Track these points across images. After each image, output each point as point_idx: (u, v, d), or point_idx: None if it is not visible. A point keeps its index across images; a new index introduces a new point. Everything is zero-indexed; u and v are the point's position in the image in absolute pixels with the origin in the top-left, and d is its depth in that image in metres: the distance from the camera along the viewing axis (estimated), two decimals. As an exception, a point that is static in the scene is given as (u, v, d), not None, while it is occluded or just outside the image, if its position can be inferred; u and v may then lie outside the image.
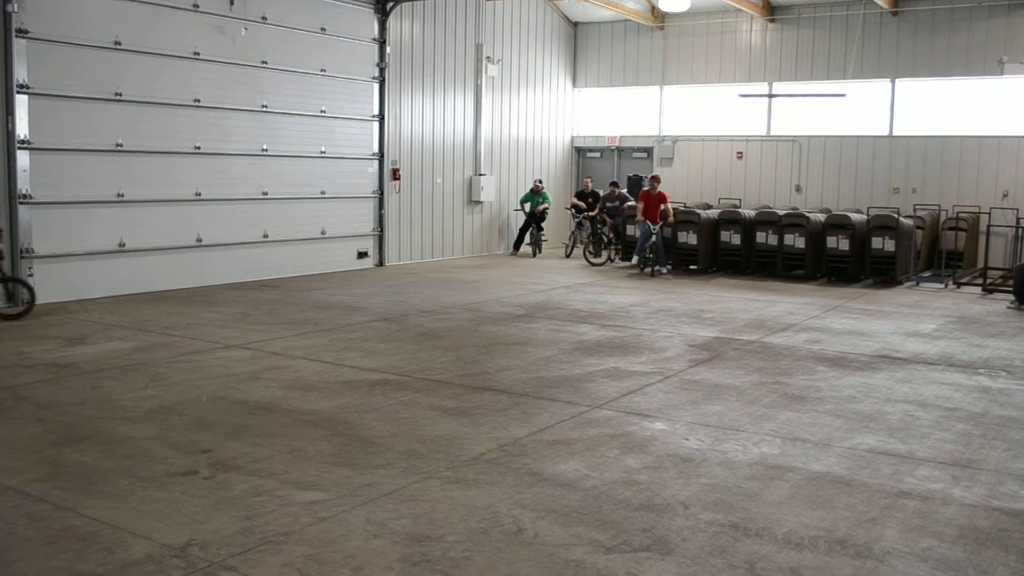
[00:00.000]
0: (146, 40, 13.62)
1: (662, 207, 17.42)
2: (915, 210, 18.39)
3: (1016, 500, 5.61)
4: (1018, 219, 16.92)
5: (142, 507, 5.29)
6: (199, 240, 14.61)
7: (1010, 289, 14.56)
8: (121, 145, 13.39)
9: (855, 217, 17.12)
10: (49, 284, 12.55)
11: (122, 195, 13.44)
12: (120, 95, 13.32)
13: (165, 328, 10.96)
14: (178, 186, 14.31)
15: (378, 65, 17.75)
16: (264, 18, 15.32)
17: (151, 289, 13.78)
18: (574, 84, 24.00)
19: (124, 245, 13.49)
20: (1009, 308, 13.87)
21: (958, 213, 18.38)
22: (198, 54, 14.36)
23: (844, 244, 16.77)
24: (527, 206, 21.11)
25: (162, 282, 13.98)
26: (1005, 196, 18.65)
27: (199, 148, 14.51)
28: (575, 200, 21.39)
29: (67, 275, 12.82)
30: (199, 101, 14.44)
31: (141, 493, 5.51)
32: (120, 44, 13.25)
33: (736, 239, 17.75)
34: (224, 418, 7.17)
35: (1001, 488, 5.82)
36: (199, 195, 14.57)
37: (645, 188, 17.94)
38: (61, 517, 5.13)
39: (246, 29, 14.97)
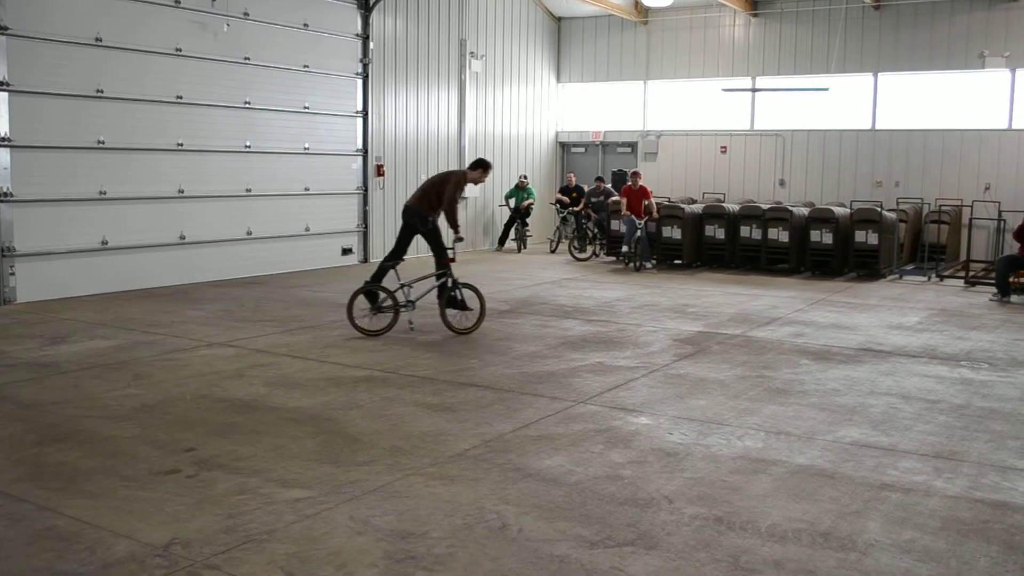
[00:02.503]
0: (128, 36, 13.54)
1: (645, 202, 17.43)
2: (898, 203, 18.48)
3: (998, 491, 5.64)
4: (1000, 212, 17.02)
5: (124, 506, 5.26)
6: (182, 237, 14.54)
7: (992, 281, 14.64)
8: (103, 142, 13.31)
9: (838, 211, 17.17)
10: (31, 283, 12.48)
11: (104, 192, 13.36)
12: (102, 92, 13.24)
13: (148, 326, 10.91)
14: (161, 183, 14.24)
15: (361, 61, 17.69)
16: (246, 14, 15.24)
17: (134, 287, 13.71)
18: (558, 79, 23.99)
19: (107, 243, 13.42)
20: (991, 300, 13.95)
21: (940, 206, 18.49)
22: (180, 50, 14.28)
23: (828, 238, 16.83)
24: (512, 202, 21.11)
25: (145, 280, 13.91)
26: (987, 189, 18.76)
27: (182, 145, 14.44)
28: (560, 195, 21.40)
29: (49, 273, 12.74)
30: (182, 97, 14.37)
31: (123, 492, 5.48)
32: (101, 40, 13.16)
33: (720, 233, 17.78)
34: (207, 416, 7.14)
35: (983, 480, 5.85)
36: (182, 192, 14.50)
37: (627, 184, 17.96)
38: (42, 517, 5.10)
39: (228, 25, 14.89)
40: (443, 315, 10.59)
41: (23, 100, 12.32)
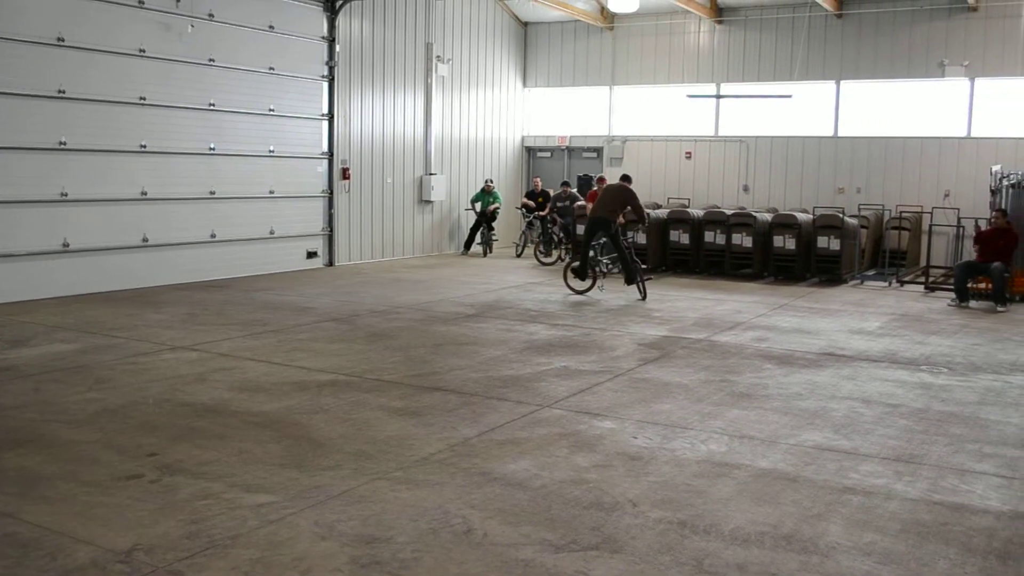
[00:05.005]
0: (90, 37, 13.39)
1: (611, 207, 17.51)
2: (859, 210, 18.69)
3: (956, 494, 5.72)
4: (959, 218, 17.26)
5: (86, 512, 5.20)
6: (145, 240, 14.41)
7: (951, 287, 14.85)
8: (65, 144, 13.15)
9: (801, 217, 17.35)
10: (-11, 285, 12.33)
11: (66, 194, 13.20)
12: (64, 92, 13.08)
13: (110, 330, 10.80)
14: (124, 185, 14.10)
15: (327, 64, 17.63)
16: (211, 15, 15.14)
17: (96, 290, 13.56)
18: (524, 84, 24.03)
19: (68, 245, 13.26)
20: (950, 306, 14.16)
21: (901, 213, 18.72)
22: (144, 51, 14.15)
23: (790, 243, 16.99)
24: (478, 206, 21.10)
25: (107, 283, 13.76)
26: (946, 196, 19.02)
27: (145, 147, 14.31)
28: (526, 200, 21.42)
29: (8, 276, 12.56)
30: (145, 99, 14.24)
31: (85, 498, 5.42)
32: (63, 41, 13.01)
33: (685, 239, 17.90)
34: (170, 421, 7.08)
35: (942, 483, 5.94)
36: (145, 194, 14.36)
37: (593, 189, 18.04)
38: (1, 523, 5.03)
39: (193, 26, 14.77)
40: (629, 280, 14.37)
41: (-19, 100, 12.17)
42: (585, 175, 22.36)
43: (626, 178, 14.89)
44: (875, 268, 18.39)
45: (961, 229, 17.12)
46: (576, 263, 14.76)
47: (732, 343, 10.71)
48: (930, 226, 17.71)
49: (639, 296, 14.16)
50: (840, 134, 20.35)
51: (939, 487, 5.85)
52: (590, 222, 14.60)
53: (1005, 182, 16.18)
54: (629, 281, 14.35)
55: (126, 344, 9.99)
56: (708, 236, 17.70)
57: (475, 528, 5.04)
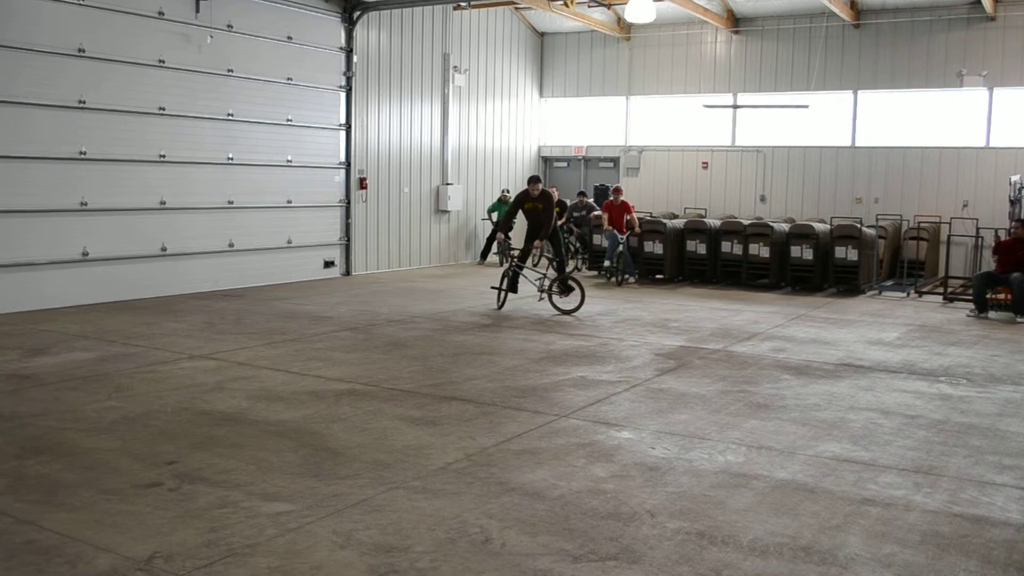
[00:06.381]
0: (111, 48, 13.51)
1: (627, 217, 17.51)
2: (877, 220, 18.61)
3: (976, 506, 5.69)
4: (978, 229, 17.18)
5: (105, 519, 5.23)
6: (164, 249, 14.50)
7: (970, 298, 14.77)
8: (85, 153, 13.26)
9: (819, 227, 17.30)
10: (10, 293, 12.40)
11: (86, 203, 13.31)
12: (84, 103, 13.19)
13: (129, 338, 10.86)
14: (143, 195, 14.20)
15: (345, 74, 17.71)
16: (230, 26, 15.24)
17: (115, 299, 13.65)
18: (541, 94, 24.07)
19: (87, 254, 13.36)
20: (969, 316, 14.07)
21: (919, 223, 18.64)
22: (164, 62, 14.26)
23: (808, 253, 16.93)
24: (495, 216, 21.13)
25: (126, 292, 13.85)
26: (965, 206, 18.93)
27: (164, 157, 14.40)
28: (542, 209, 21.38)
29: (27, 285, 12.66)
30: (164, 109, 14.34)
31: (104, 505, 5.45)
32: (85, 52, 13.12)
33: (702, 249, 17.87)
34: (189, 429, 7.12)
35: (962, 494, 5.90)
36: (164, 204, 14.46)
37: (609, 199, 18.05)
38: (22, 530, 5.06)
39: (212, 37, 14.88)
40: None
41: (5, 111, 12.26)
42: (602, 185, 22.33)
43: (535, 179, 14.58)
44: (893, 278, 18.31)
45: (980, 240, 17.03)
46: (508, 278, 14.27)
47: (749, 353, 10.68)
48: (948, 236, 17.60)
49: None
50: (858, 144, 20.29)
51: (959, 499, 5.82)
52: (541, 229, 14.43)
53: (1024, 192, 16.09)
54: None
55: (145, 353, 10.05)
56: (725, 246, 17.66)
57: (493, 538, 5.04)
